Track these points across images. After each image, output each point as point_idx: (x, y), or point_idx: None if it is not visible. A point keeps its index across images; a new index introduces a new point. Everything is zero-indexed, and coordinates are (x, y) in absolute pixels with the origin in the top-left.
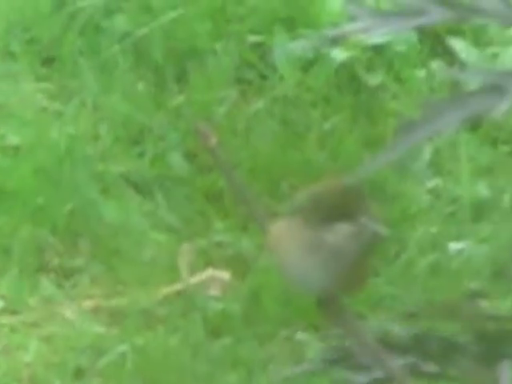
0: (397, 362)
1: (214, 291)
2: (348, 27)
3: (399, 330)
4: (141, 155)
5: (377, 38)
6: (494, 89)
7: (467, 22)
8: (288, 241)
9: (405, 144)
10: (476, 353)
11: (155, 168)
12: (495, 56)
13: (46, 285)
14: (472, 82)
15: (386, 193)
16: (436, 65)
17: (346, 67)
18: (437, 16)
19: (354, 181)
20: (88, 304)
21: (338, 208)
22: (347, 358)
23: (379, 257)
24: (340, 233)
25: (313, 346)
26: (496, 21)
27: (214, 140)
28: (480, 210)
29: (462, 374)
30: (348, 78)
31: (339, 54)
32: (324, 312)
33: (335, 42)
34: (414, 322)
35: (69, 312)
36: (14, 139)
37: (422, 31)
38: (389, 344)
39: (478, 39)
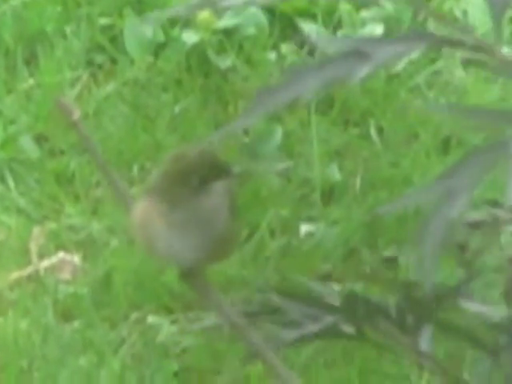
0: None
1: (65, 275)
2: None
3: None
4: None
5: (227, 20)
6: (356, 54)
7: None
8: (156, 218)
9: (263, 108)
10: (397, 318)
11: (6, 151)
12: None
13: None
14: (331, 50)
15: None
16: (286, 47)
17: (197, 50)
18: None
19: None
20: None
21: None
22: None
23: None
24: (217, 190)
25: (164, 329)
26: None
27: (77, 114)
28: (331, 193)
29: (383, 337)
30: (199, 60)
31: (190, 37)
32: (189, 284)
33: (186, 24)
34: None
35: None
36: None
37: (272, 14)
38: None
39: (329, 21)
